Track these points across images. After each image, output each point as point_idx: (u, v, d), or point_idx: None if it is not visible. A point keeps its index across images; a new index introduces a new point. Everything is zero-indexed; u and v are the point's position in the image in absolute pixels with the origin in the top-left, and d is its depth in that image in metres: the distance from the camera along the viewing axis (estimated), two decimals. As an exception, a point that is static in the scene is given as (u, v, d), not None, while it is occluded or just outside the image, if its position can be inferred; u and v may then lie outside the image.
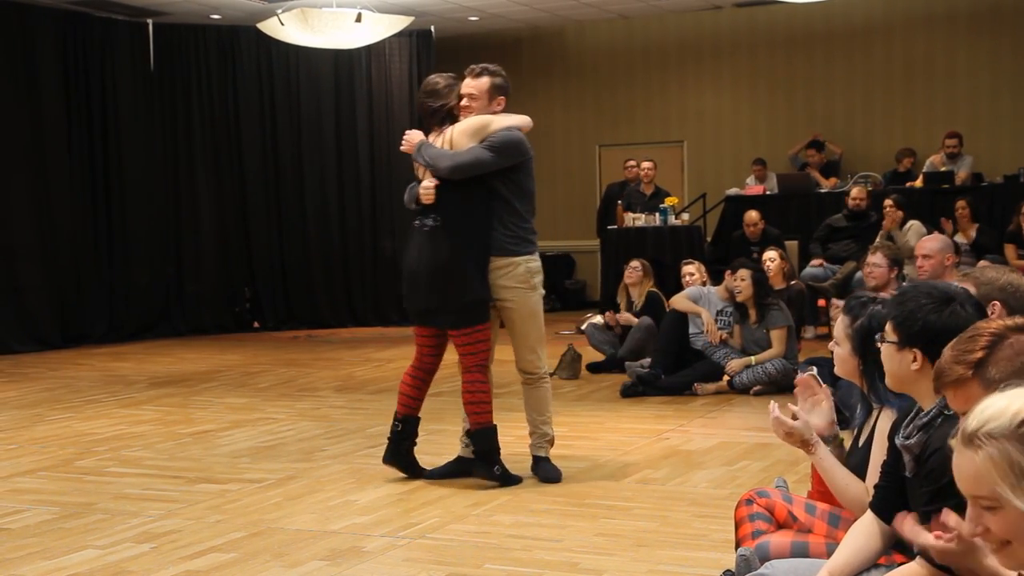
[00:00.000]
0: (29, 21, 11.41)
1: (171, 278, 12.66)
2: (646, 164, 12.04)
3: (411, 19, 11.45)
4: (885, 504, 2.54)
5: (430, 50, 13.41)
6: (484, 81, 5.05)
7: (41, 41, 11.48)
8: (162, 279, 12.56)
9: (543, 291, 5.14)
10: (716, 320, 7.76)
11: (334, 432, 6.40)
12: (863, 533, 2.57)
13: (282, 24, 10.50)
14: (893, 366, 2.51)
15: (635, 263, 8.92)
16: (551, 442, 5.23)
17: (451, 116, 5.08)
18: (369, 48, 12.40)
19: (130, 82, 12.32)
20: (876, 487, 2.60)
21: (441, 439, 6.06)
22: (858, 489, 2.81)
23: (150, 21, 12.54)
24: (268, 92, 13.03)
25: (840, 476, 2.87)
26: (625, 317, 8.74)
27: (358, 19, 10.48)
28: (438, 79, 5.16)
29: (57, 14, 11.71)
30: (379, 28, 11.03)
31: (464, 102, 5.04)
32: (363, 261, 13.39)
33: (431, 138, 5.06)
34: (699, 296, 7.91)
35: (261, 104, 12.99)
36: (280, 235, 13.03)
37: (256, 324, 13.03)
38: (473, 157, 4.90)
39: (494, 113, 5.05)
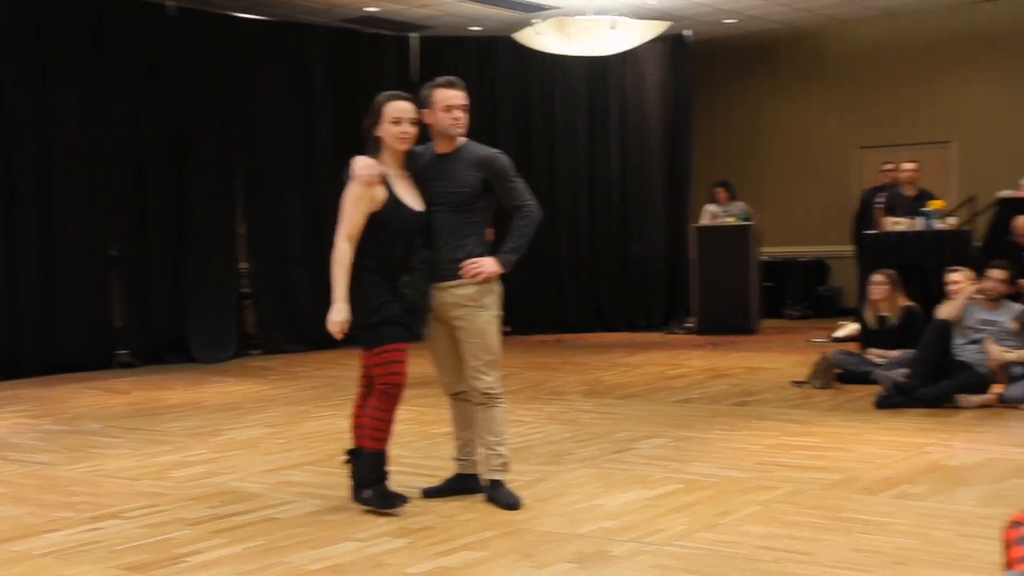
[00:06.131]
0: (306, 39, 12.21)
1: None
2: (909, 165, 11.42)
3: (667, 24, 11.41)
4: None
5: (685, 55, 13.34)
6: (464, 93, 4.87)
7: (316, 56, 12.25)
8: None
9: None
10: (981, 329, 7.30)
11: (582, 436, 6.45)
12: None
13: (538, 33, 10.70)
14: None
15: (878, 276, 8.26)
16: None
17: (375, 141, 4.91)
18: (623, 55, 12.44)
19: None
20: None
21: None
22: None
23: (412, 35, 13.07)
24: (523, 99, 13.32)
25: None
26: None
27: (613, 26, 10.55)
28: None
29: (330, 32, 12.45)
30: (634, 34, 11.06)
31: (457, 114, 4.88)
32: (612, 266, 13.48)
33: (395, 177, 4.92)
34: (962, 306, 7.45)
35: (515, 111, 13.29)
36: (532, 240, 13.24)
37: (506, 328, 13.28)
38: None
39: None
